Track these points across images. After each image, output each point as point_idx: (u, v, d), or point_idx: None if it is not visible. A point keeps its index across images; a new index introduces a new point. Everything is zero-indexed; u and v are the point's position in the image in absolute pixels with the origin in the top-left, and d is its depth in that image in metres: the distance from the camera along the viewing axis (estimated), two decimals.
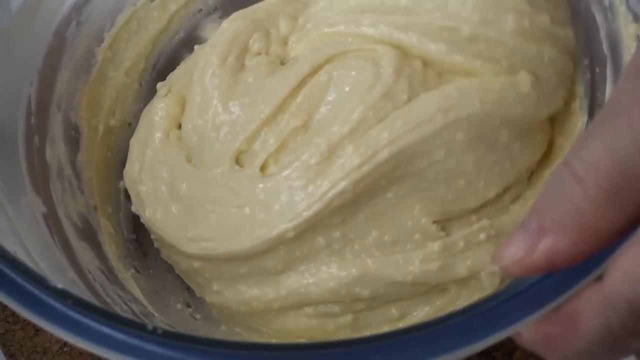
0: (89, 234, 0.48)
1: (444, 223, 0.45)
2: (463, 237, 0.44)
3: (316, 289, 0.45)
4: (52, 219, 0.44)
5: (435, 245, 0.44)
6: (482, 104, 0.43)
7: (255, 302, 0.46)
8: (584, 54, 0.45)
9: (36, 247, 0.39)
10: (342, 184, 0.43)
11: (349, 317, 0.45)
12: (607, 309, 0.27)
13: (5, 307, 0.49)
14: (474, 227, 0.45)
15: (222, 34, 0.50)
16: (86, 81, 0.52)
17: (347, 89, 0.45)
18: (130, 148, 0.52)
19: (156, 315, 0.46)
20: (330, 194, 0.43)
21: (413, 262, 0.44)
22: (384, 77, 0.44)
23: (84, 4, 0.50)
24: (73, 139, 0.50)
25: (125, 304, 0.44)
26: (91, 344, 0.28)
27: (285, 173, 0.45)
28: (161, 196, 0.49)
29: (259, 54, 0.50)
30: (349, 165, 0.43)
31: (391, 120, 0.43)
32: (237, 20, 0.51)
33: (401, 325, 0.46)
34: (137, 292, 0.47)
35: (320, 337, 0.46)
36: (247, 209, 0.45)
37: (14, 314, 0.51)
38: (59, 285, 0.29)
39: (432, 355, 0.27)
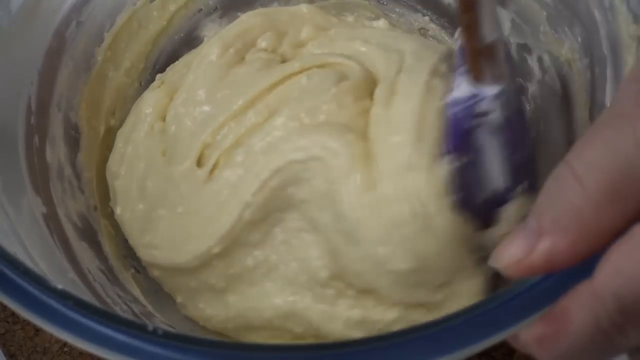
0: (89, 234, 0.48)
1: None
2: (379, 320, 0.43)
3: (254, 315, 0.44)
4: (52, 219, 0.44)
5: (355, 314, 0.43)
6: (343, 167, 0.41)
7: (213, 320, 0.46)
8: (584, 53, 0.45)
9: (36, 248, 0.38)
10: (247, 197, 0.42)
11: (311, 340, 0.44)
12: (596, 305, 0.27)
13: (5, 307, 0.48)
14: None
15: (234, 26, 0.51)
16: (86, 81, 0.51)
17: (298, 95, 0.45)
18: (116, 140, 0.52)
19: (156, 315, 0.46)
20: (240, 206, 0.43)
21: (336, 321, 0.43)
22: (325, 93, 0.44)
23: (84, 4, 0.50)
24: (73, 139, 0.50)
25: (126, 304, 0.44)
26: (91, 345, 0.28)
27: (216, 181, 0.45)
28: (131, 194, 0.49)
29: (265, 51, 0.50)
30: (254, 178, 0.43)
31: (293, 136, 0.43)
32: (254, 17, 0.51)
33: None
34: (137, 292, 0.47)
35: None
36: (185, 218, 0.45)
37: (13, 314, 0.51)
38: (60, 286, 0.29)
39: (433, 356, 0.27)
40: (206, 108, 0.47)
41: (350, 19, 0.54)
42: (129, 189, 0.49)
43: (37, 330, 0.51)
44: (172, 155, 0.48)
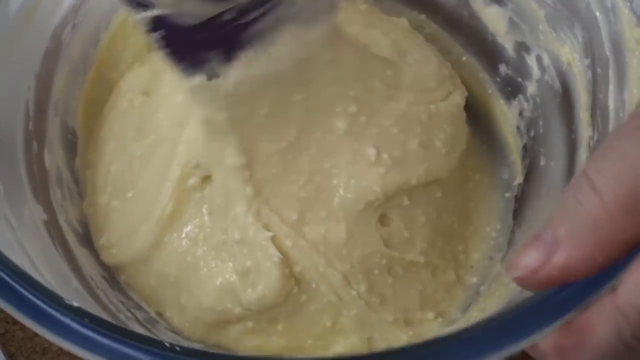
0: (90, 240, 0.47)
1: None
2: None
3: (203, 302, 0.44)
4: (53, 226, 0.43)
5: None
6: None
7: (187, 331, 0.45)
8: (585, 54, 0.45)
9: (40, 257, 0.38)
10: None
11: (280, 327, 0.44)
12: (619, 319, 0.27)
13: None
14: None
15: None
16: (83, 84, 0.51)
17: None
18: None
19: (160, 321, 0.45)
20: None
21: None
22: None
23: (80, 6, 0.49)
24: (70, 143, 0.50)
25: (129, 310, 0.44)
26: None
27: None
28: (97, 183, 0.48)
29: None
30: None
31: None
32: None
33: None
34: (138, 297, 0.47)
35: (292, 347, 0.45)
36: (135, 200, 0.45)
37: None
38: (75, 304, 0.29)
39: None
40: None
41: (361, 7, 0.54)
42: (96, 177, 0.48)
43: None
44: (144, 128, 0.47)
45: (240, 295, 0.42)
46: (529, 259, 0.28)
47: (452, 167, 0.46)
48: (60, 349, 0.50)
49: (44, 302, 0.28)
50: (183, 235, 0.44)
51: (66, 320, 0.28)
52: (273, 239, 0.41)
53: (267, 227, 0.42)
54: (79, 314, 0.28)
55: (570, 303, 0.28)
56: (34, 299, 0.29)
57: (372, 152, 0.43)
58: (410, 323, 0.44)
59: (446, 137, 0.46)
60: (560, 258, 0.28)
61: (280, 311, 0.43)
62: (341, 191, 0.43)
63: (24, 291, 0.29)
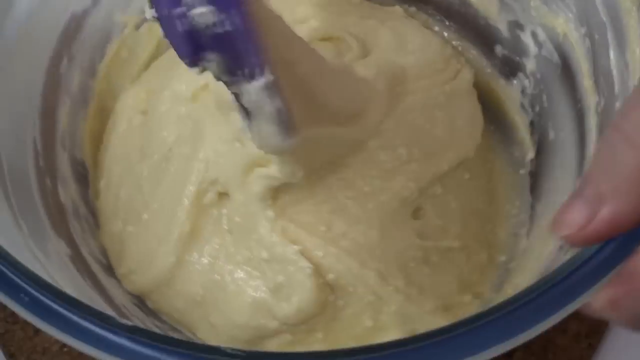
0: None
1: None
2: None
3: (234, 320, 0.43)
4: (78, 260, 0.43)
5: None
6: None
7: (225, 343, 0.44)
8: (580, 23, 0.45)
9: (72, 290, 0.37)
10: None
11: (320, 335, 0.44)
12: None
13: (5, 306, 0.47)
14: None
15: None
16: (86, 116, 0.50)
17: None
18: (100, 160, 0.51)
19: (199, 342, 0.45)
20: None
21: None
22: None
23: (72, 38, 0.49)
24: (82, 176, 0.49)
25: (166, 334, 0.43)
26: None
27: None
28: (108, 210, 0.47)
29: None
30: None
31: None
32: None
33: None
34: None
35: None
36: (151, 223, 0.45)
37: (13, 313, 0.49)
38: (129, 322, 0.28)
39: (514, 333, 0.27)
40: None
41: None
42: (107, 205, 0.48)
43: (37, 330, 0.50)
44: (147, 147, 0.47)
45: (274, 310, 0.42)
46: (576, 215, 0.28)
47: (477, 143, 0.47)
48: (60, 349, 0.49)
49: (95, 325, 0.28)
50: (205, 254, 0.44)
51: (122, 340, 0.28)
52: (302, 252, 0.41)
53: (294, 242, 0.42)
54: (133, 331, 0.28)
55: (619, 256, 0.28)
56: (84, 322, 0.28)
57: (403, 151, 0.44)
58: (449, 309, 0.44)
59: (466, 114, 0.47)
60: (606, 212, 0.28)
61: (318, 320, 0.43)
62: (375, 195, 0.43)
63: (74, 317, 0.28)
